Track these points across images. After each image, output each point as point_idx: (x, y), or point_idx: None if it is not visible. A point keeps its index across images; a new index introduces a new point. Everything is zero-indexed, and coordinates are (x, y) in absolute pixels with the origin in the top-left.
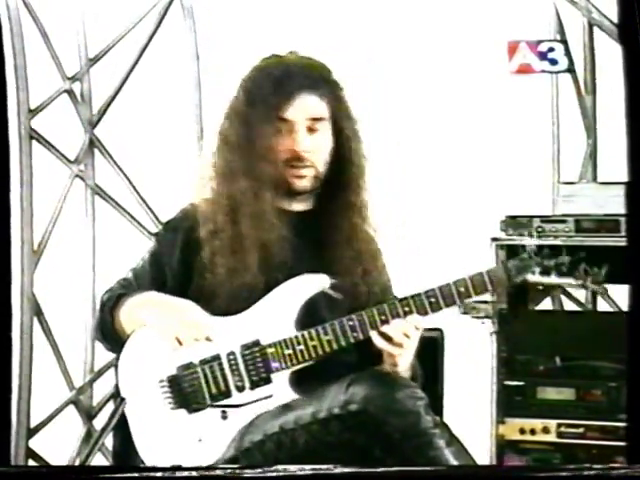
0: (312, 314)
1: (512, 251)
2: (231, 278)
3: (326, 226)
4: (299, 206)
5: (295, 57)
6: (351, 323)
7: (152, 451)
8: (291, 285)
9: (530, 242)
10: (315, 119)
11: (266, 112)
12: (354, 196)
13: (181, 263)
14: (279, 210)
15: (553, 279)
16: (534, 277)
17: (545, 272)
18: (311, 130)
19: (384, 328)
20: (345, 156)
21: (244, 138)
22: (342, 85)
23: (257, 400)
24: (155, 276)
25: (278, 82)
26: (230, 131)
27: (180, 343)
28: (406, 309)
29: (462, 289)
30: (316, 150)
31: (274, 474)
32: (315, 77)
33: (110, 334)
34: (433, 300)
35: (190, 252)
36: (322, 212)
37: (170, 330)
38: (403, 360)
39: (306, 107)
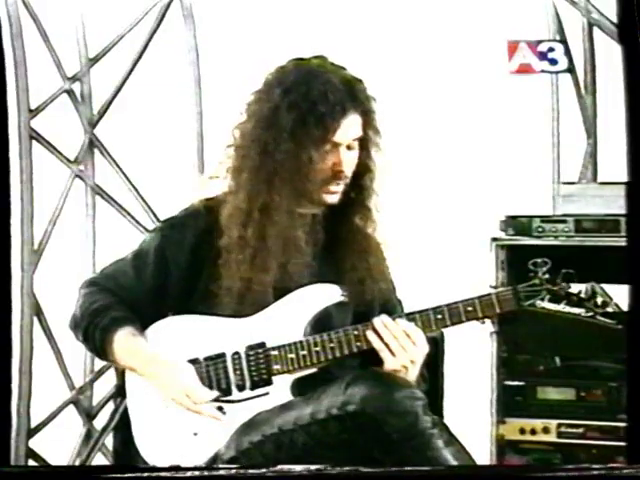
0: (324, 320)
1: (513, 253)
2: (248, 285)
3: (334, 228)
4: (314, 209)
5: (329, 66)
6: (356, 333)
7: (149, 443)
8: (303, 294)
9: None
10: (355, 139)
11: (321, 135)
12: (363, 199)
13: (190, 263)
14: (297, 215)
15: (562, 307)
16: (543, 303)
17: (555, 300)
18: (349, 148)
19: (375, 322)
20: (366, 165)
21: (292, 156)
22: (374, 98)
23: (254, 397)
24: (159, 273)
25: (331, 104)
26: (272, 144)
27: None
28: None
29: (470, 309)
30: (351, 166)
31: (275, 474)
32: (357, 94)
33: (97, 352)
34: (440, 317)
35: (202, 254)
36: (332, 215)
37: (167, 392)
38: (392, 365)
39: (351, 129)
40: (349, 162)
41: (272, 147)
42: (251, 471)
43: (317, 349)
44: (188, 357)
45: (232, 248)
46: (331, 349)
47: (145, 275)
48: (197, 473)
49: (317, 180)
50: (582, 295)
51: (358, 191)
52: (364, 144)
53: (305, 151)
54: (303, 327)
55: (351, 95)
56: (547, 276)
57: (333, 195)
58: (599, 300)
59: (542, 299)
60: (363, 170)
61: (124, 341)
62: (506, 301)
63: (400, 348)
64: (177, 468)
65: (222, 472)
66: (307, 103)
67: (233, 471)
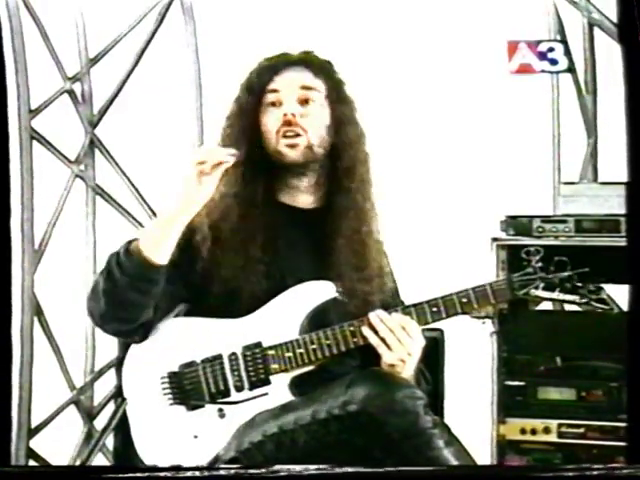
0: (319, 317)
1: (513, 253)
2: (236, 280)
3: (332, 226)
4: (305, 203)
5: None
6: (352, 328)
7: (149, 446)
8: (298, 292)
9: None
10: (306, 87)
11: (257, 85)
12: (360, 196)
13: (184, 266)
14: (283, 206)
15: (557, 295)
16: (537, 292)
17: (549, 288)
18: (302, 101)
19: (370, 316)
20: (344, 140)
21: (238, 118)
22: (341, 75)
23: (253, 398)
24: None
25: (269, 62)
26: (228, 120)
27: (204, 173)
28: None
29: (464, 300)
30: (308, 117)
31: (276, 474)
32: (309, 59)
33: (131, 268)
34: (435, 310)
35: (194, 254)
36: (328, 211)
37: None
38: (389, 360)
39: (296, 77)
40: (302, 112)
41: (229, 122)
42: (252, 471)
43: (314, 346)
44: (185, 360)
45: (220, 247)
46: (328, 346)
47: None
48: (198, 473)
49: (270, 134)
50: (576, 282)
51: (342, 176)
52: (335, 113)
53: (247, 103)
54: (298, 325)
55: (301, 58)
56: (540, 264)
57: (292, 149)
58: (592, 287)
59: (536, 287)
60: (340, 146)
61: (144, 235)
62: (500, 291)
63: (397, 342)
64: (177, 468)
65: (223, 472)
66: (251, 75)
67: (234, 471)
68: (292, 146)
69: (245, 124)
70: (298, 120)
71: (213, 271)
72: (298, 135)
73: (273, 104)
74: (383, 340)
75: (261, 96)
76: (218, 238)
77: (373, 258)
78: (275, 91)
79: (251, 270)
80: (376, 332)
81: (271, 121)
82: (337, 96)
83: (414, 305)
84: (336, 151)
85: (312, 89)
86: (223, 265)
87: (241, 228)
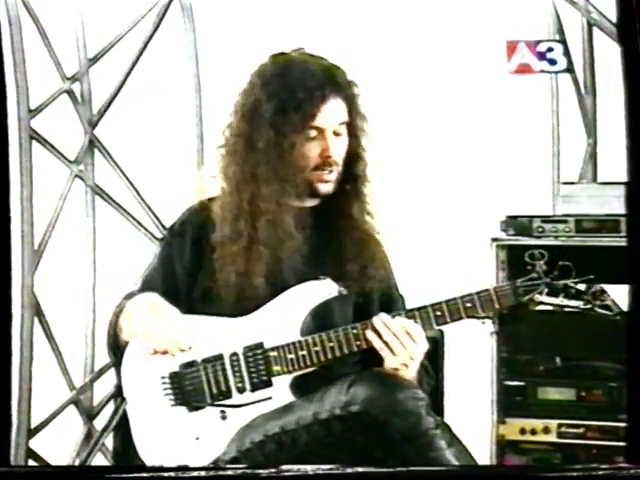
0: (321, 316)
1: (513, 253)
2: (242, 280)
3: (335, 222)
4: (311, 202)
5: (308, 57)
6: (355, 332)
7: (150, 448)
8: (298, 291)
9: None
10: (341, 123)
11: (300, 121)
12: (358, 189)
13: (191, 262)
14: (293, 208)
15: (560, 301)
16: (541, 297)
17: (553, 294)
18: (336, 134)
19: (374, 320)
20: (356, 152)
21: (274, 144)
22: (356, 83)
23: (257, 402)
24: (167, 278)
25: (308, 88)
26: (255, 135)
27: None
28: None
29: (469, 305)
30: (341, 152)
31: (283, 474)
32: (338, 80)
33: (110, 342)
34: (439, 314)
35: (201, 252)
36: (331, 210)
37: (147, 343)
38: (392, 364)
39: (335, 113)
40: (337, 148)
41: (255, 138)
42: (259, 471)
43: (316, 349)
44: (185, 359)
45: (225, 243)
46: (331, 349)
47: (156, 284)
48: (203, 473)
49: (306, 168)
50: (580, 287)
51: (352, 181)
52: (352, 130)
53: (286, 138)
54: (300, 325)
55: (331, 81)
56: (545, 269)
57: (326, 184)
58: (596, 292)
59: (540, 293)
60: (354, 158)
61: (127, 312)
62: (505, 296)
63: (400, 346)
64: (180, 468)
65: (230, 472)
66: (286, 91)
67: (240, 471)
68: (326, 181)
69: (279, 146)
70: (335, 159)
71: (219, 270)
72: (332, 171)
73: (311, 138)
74: (387, 344)
75: (303, 129)
76: (225, 236)
77: (374, 250)
78: (318, 129)
79: (256, 269)
80: (380, 336)
81: (310, 155)
82: (355, 116)
83: (418, 309)
84: (347, 160)
85: (344, 123)
86: (229, 263)
87: (248, 226)
